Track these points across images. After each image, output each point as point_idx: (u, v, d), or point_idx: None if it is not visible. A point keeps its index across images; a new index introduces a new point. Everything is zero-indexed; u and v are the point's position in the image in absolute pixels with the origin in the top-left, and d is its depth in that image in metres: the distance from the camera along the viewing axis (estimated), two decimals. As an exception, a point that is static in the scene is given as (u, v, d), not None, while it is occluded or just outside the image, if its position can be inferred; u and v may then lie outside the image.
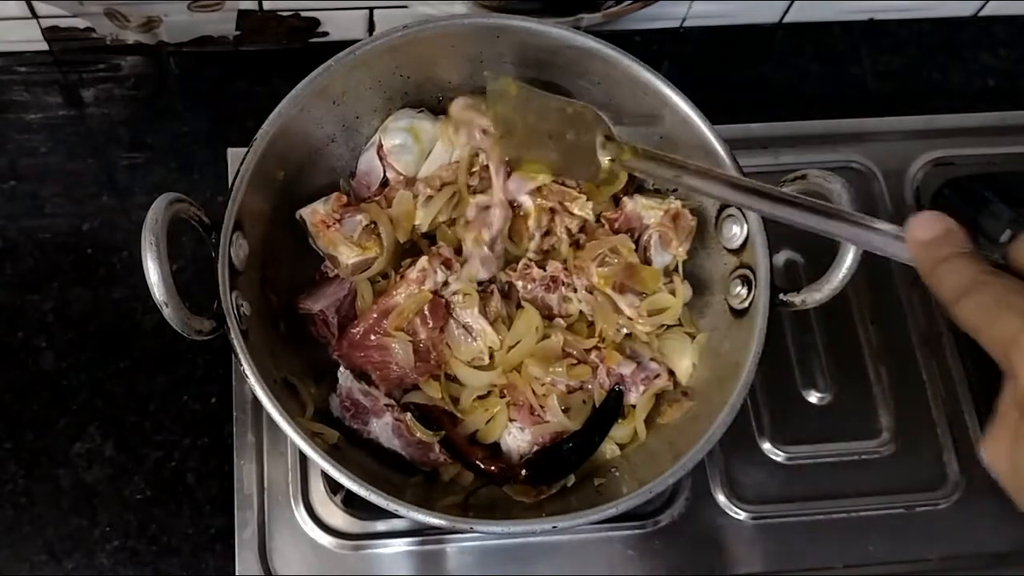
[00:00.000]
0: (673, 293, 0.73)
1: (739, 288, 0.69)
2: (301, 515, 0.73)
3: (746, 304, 0.68)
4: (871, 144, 0.89)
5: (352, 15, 0.86)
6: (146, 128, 0.87)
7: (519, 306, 0.73)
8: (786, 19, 0.95)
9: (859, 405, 0.80)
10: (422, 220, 0.73)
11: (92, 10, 0.82)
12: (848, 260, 0.62)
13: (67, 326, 0.79)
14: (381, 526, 0.74)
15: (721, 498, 0.77)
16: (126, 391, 0.77)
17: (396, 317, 0.69)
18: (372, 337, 0.70)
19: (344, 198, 0.72)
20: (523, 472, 0.69)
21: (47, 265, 0.81)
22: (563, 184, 0.74)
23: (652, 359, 0.72)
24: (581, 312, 0.73)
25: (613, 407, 0.71)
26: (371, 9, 0.86)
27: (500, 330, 0.71)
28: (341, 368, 0.70)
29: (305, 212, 0.72)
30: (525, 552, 0.74)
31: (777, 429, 0.79)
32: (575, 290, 0.72)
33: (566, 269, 0.73)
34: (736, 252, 0.70)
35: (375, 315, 0.70)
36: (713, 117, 0.69)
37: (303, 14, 0.86)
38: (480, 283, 0.72)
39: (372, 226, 0.72)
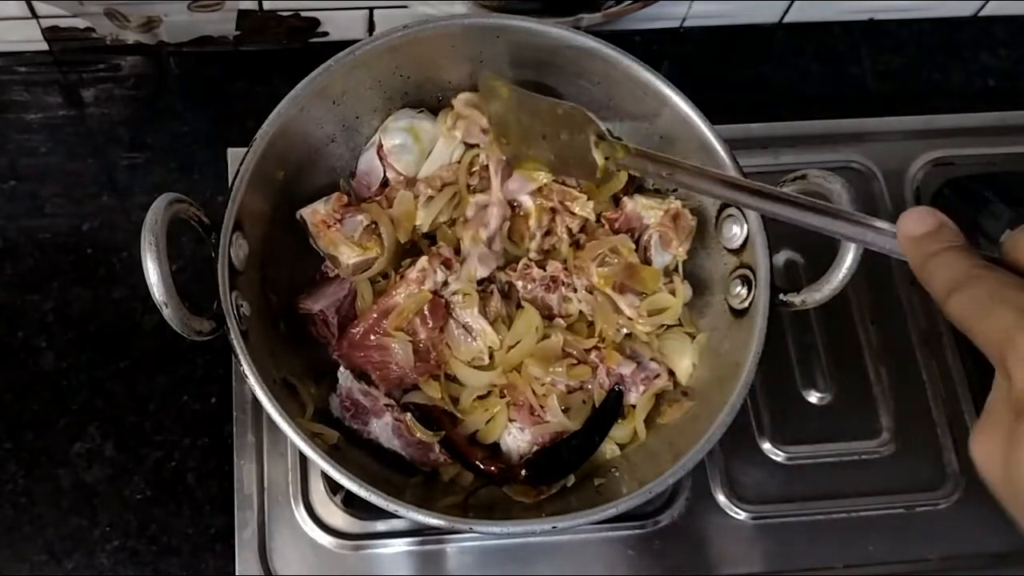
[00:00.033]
0: (673, 293, 0.73)
1: (739, 288, 0.69)
2: (301, 515, 0.73)
3: (746, 304, 0.68)
4: (871, 144, 0.89)
5: (352, 15, 0.86)
6: (146, 128, 0.87)
7: (519, 306, 0.73)
8: (786, 19, 0.95)
9: (859, 405, 0.80)
10: (423, 220, 0.73)
11: (92, 10, 0.82)
12: (848, 260, 0.62)
13: (67, 326, 0.79)
14: (381, 526, 0.74)
15: (721, 498, 0.77)
16: (126, 391, 0.77)
17: (396, 317, 0.69)
18: (372, 337, 0.70)
19: (345, 198, 0.72)
20: (523, 472, 0.69)
21: (47, 265, 0.81)
22: (563, 184, 0.74)
23: (652, 359, 0.72)
24: (581, 312, 0.73)
25: (613, 407, 0.71)
26: (371, 9, 0.86)
27: (500, 330, 0.71)
28: (341, 368, 0.70)
29: (305, 212, 0.72)
30: (525, 552, 0.74)
31: (777, 429, 0.79)
32: (575, 290, 0.72)
33: (566, 269, 0.73)
34: (736, 252, 0.70)
35: (375, 315, 0.70)
36: (713, 117, 0.69)
37: (303, 14, 0.86)
38: (480, 283, 0.72)
39: (372, 226, 0.72)
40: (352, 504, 0.74)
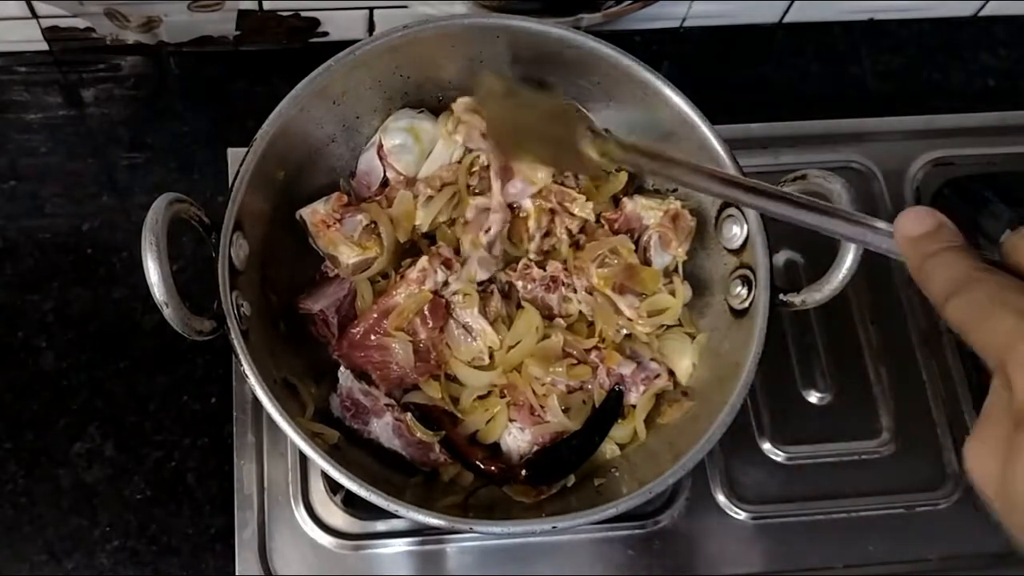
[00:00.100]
0: (673, 294, 0.73)
1: (739, 288, 0.69)
2: (301, 515, 0.73)
3: (746, 304, 0.68)
4: (871, 144, 0.89)
5: (352, 15, 0.86)
6: (146, 128, 0.87)
7: (519, 306, 0.73)
8: (786, 19, 0.95)
9: (859, 405, 0.80)
10: (422, 220, 0.73)
11: (92, 10, 0.82)
12: (848, 260, 0.62)
13: (67, 326, 0.79)
14: (381, 526, 0.74)
15: (721, 498, 0.77)
16: (126, 391, 0.77)
17: (396, 317, 0.69)
18: (372, 337, 0.70)
19: (344, 198, 0.72)
20: (523, 472, 0.69)
21: (47, 265, 0.81)
22: (563, 185, 0.74)
23: (652, 359, 0.72)
24: (581, 312, 0.73)
25: (613, 407, 0.71)
26: (371, 9, 0.86)
27: (500, 330, 0.71)
28: (341, 368, 0.70)
29: (305, 212, 0.72)
30: (525, 552, 0.74)
31: (777, 429, 0.79)
32: (575, 290, 0.72)
33: (566, 269, 0.73)
34: (736, 252, 0.70)
35: (375, 315, 0.70)
36: (713, 117, 0.69)
37: (303, 14, 0.86)
38: (480, 283, 0.72)
39: (372, 226, 0.72)
40: (352, 504, 0.74)
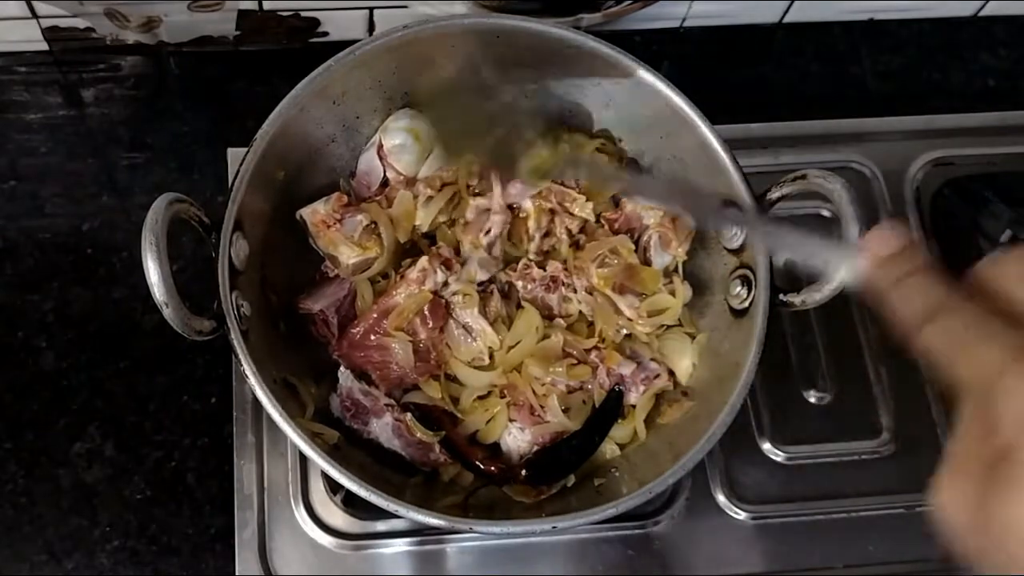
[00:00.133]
0: (673, 294, 0.73)
1: (739, 288, 0.69)
2: (301, 515, 0.73)
3: (746, 304, 0.68)
4: (871, 144, 0.89)
5: (352, 15, 0.86)
6: (146, 128, 0.87)
7: (519, 306, 0.73)
8: (786, 19, 0.95)
9: (859, 405, 0.80)
10: (422, 220, 0.73)
11: (92, 10, 0.82)
12: (848, 260, 0.62)
13: (67, 326, 0.79)
14: (381, 526, 0.74)
15: (721, 498, 0.77)
16: (126, 391, 0.77)
17: (396, 317, 0.69)
18: (372, 337, 0.70)
19: (344, 198, 0.72)
20: (523, 472, 0.69)
21: (47, 265, 0.81)
22: (563, 185, 0.74)
23: (652, 359, 0.72)
24: (581, 312, 0.73)
25: (613, 407, 0.71)
26: (371, 9, 0.86)
27: (500, 330, 0.71)
28: (341, 368, 0.70)
29: (305, 212, 0.72)
30: (525, 552, 0.74)
31: (777, 429, 0.79)
32: (575, 290, 0.72)
33: (566, 269, 0.73)
34: (736, 252, 0.70)
35: (375, 315, 0.70)
36: (713, 117, 0.69)
37: (303, 14, 0.86)
38: (480, 283, 0.72)
39: (372, 226, 0.72)
40: (352, 504, 0.74)
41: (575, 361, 0.71)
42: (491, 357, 0.71)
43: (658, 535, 0.76)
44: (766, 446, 0.79)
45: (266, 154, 0.66)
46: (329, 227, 0.71)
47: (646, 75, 0.70)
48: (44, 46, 0.87)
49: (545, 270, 0.72)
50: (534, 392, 0.69)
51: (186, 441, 0.76)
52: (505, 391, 0.71)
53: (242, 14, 0.85)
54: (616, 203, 0.76)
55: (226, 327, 0.61)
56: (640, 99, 0.71)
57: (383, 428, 0.69)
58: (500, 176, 0.72)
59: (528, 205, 0.73)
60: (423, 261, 0.70)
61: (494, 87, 0.72)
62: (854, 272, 0.44)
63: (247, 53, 0.90)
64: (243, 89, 0.89)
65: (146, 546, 0.73)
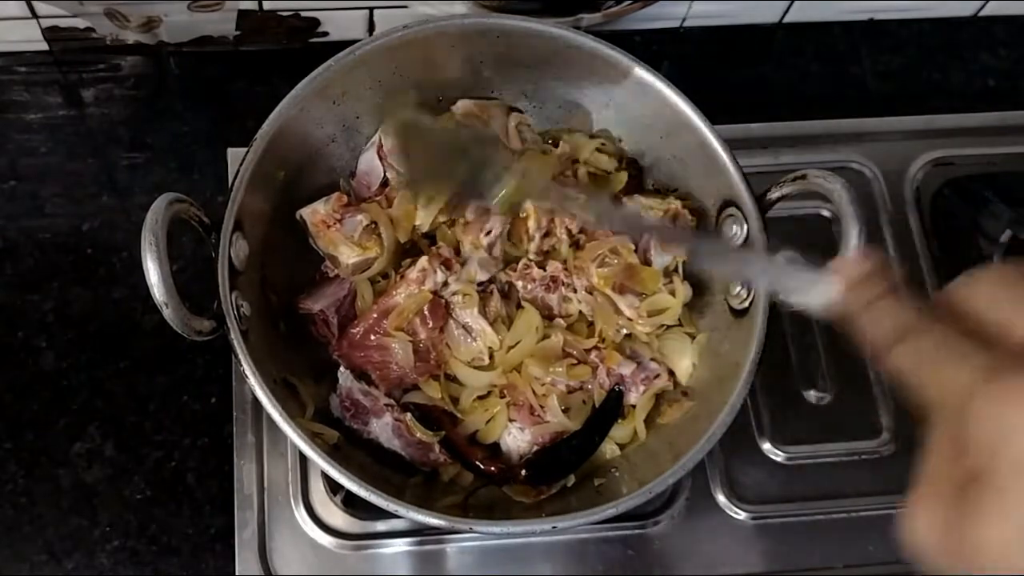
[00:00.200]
0: (673, 294, 0.72)
1: (739, 288, 0.69)
2: (301, 515, 0.73)
3: (746, 304, 0.68)
4: (871, 144, 0.89)
5: (352, 15, 0.86)
6: (146, 128, 0.87)
7: (519, 306, 0.73)
8: (786, 19, 0.95)
9: (859, 405, 0.80)
10: (422, 220, 0.73)
11: (92, 10, 0.82)
12: (848, 260, 0.62)
13: (67, 326, 0.79)
14: (381, 526, 0.74)
15: (721, 498, 0.77)
16: (126, 391, 0.77)
17: (396, 317, 0.69)
18: (372, 337, 0.70)
19: (344, 198, 0.72)
20: (523, 472, 0.69)
21: (47, 265, 0.81)
22: (563, 185, 0.74)
23: (652, 359, 0.72)
24: (581, 312, 0.73)
25: (613, 407, 0.71)
26: (371, 9, 0.86)
27: (500, 330, 0.71)
28: (341, 368, 0.70)
29: (305, 212, 0.72)
30: (525, 552, 0.74)
31: (777, 429, 0.79)
32: (575, 290, 0.72)
33: (566, 269, 0.73)
34: (736, 252, 0.70)
35: (375, 315, 0.70)
36: (713, 117, 0.69)
37: (303, 14, 0.86)
38: (480, 283, 0.72)
39: (372, 226, 0.72)
40: (352, 504, 0.74)
41: (575, 361, 0.71)
42: (491, 357, 0.71)
43: (658, 535, 0.76)
44: (766, 446, 0.79)
45: (266, 154, 0.66)
46: (329, 227, 0.71)
47: (646, 75, 0.70)
48: (44, 46, 0.87)
49: (545, 270, 0.72)
50: (534, 392, 0.69)
51: (186, 441, 0.76)
52: (505, 391, 0.71)
53: (242, 14, 0.85)
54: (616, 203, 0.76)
55: (226, 327, 0.61)
56: (640, 99, 0.71)
57: (383, 428, 0.69)
58: (471, 208, 0.71)
59: (528, 205, 0.73)
60: (423, 261, 0.70)
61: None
62: (827, 298, 0.44)
63: (247, 53, 0.90)
64: (243, 89, 0.89)
65: (146, 546, 0.73)
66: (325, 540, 0.73)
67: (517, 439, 0.71)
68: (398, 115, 0.68)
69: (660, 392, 0.72)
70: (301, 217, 0.72)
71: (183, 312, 0.58)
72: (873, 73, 0.95)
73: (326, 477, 0.72)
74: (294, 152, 0.70)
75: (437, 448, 0.69)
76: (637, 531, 0.75)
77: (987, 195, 0.86)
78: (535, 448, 0.70)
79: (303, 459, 0.74)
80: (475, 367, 0.71)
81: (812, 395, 0.80)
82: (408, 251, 0.74)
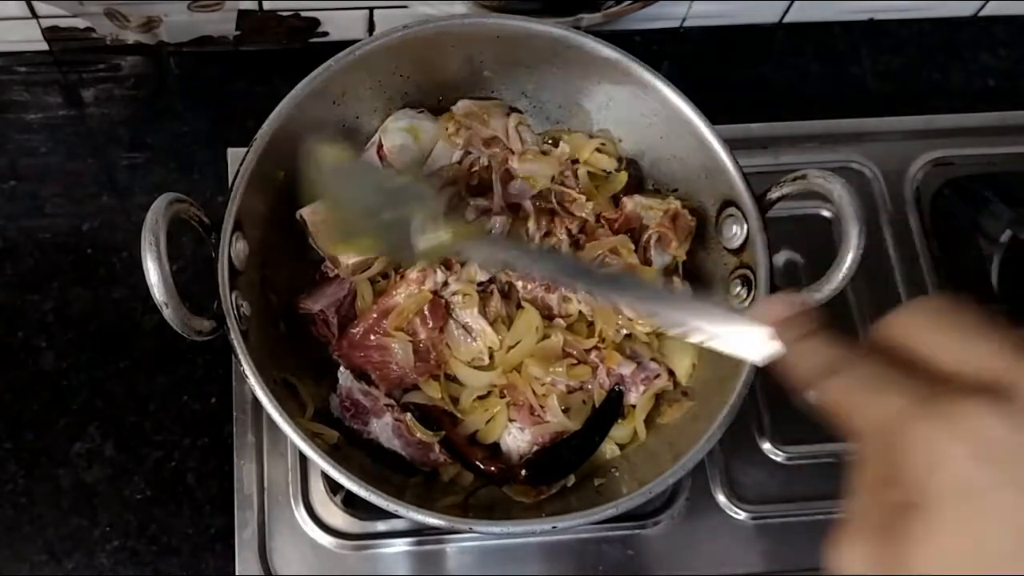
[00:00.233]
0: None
1: (739, 288, 0.69)
2: (301, 515, 0.73)
3: (746, 304, 0.68)
4: (871, 144, 0.89)
5: (352, 15, 0.86)
6: (146, 128, 0.87)
7: (519, 306, 0.73)
8: (786, 19, 0.95)
9: (859, 405, 0.80)
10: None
11: (92, 10, 0.82)
12: (848, 260, 0.62)
13: (67, 326, 0.79)
14: (381, 526, 0.74)
15: (721, 498, 0.77)
16: (126, 391, 0.77)
17: (396, 317, 0.69)
18: (372, 337, 0.70)
19: (344, 198, 0.72)
20: (523, 472, 0.69)
21: (47, 265, 0.81)
22: (563, 185, 0.74)
23: (652, 359, 0.72)
24: (581, 312, 0.73)
25: (613, 407, 0.71)
26: (371, 9, 0.86)
27: (500, 330, 0.71)
28: (341, 368, 0.70)
29: (305, 212, 0.72)
30: (525, 552, 0.74)
31: (777, 429, 0.79)
32: (575, 290, 0.72)
33: (566, 269, 0.73)
34: (736, 252, 0.70)
35: (375, 315, 0.70)
36: (713, 117, 0.69)
37: (303, 14, 0.86)
38: (480, 283, 0.72)
39: (372, 226, 0.72)
40: (352, 504, 0.74)
41: (575, 361, 0.71)
42: (491, 357, 0.71)
43: (658, 535, 0.76)
44: (766, 446, 0.79)
45: (266, 154, 0.66)
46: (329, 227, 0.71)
47: (646, 75, 0.70)
48: (44, 46, 0.87)
49: (545, 270, 0.72)
50: (534, 392, 0.69)
51: (186, 441, 0.76)
52: (505, 391, 0.71)
53: (242, 14, 0.85)
54: (616, 203, 0.76)
55: (226, 327, 0.61)
56: (640, 99, 0.71)
57: (383, 428, 0.69)
58: (397, 260, 0.70)
59: (528, 205, 0.73)
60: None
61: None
62: (766, 353, 0.44)
63: (247, 53, 0.90)
64: (243, 89, 0.89)
65: (146, 546, 0.73)
66: (325, 540, 0.73)
67: (517, 439, 0.71)
68: (323, 157, 0.65)
69: (660, 392, 0.72)
70: (301, 217, 0.72)
71: (183, 312, 0.58)
72: (873, 73, 0.95)
73: (326, 477, 0.72)
74: (294, 152, 0.70)
75: (437, 448, 0.69)
76: (637, 531, 0.75)
77: (987, 195, 0.86)
78: (535, 448, 0.70)
79: (303, 459, 0.74)
80: (475, 367, 0.71)
81: (813, 395, 0.80)
82: (408, 251, 0.74)
